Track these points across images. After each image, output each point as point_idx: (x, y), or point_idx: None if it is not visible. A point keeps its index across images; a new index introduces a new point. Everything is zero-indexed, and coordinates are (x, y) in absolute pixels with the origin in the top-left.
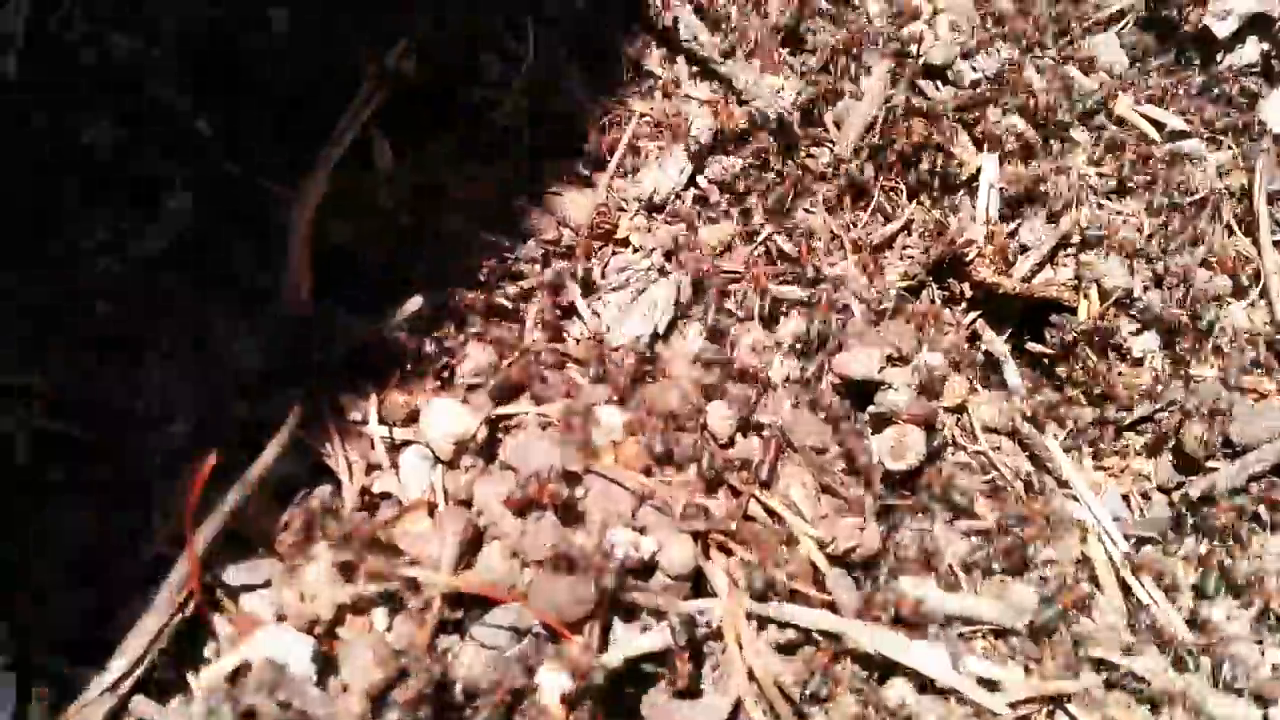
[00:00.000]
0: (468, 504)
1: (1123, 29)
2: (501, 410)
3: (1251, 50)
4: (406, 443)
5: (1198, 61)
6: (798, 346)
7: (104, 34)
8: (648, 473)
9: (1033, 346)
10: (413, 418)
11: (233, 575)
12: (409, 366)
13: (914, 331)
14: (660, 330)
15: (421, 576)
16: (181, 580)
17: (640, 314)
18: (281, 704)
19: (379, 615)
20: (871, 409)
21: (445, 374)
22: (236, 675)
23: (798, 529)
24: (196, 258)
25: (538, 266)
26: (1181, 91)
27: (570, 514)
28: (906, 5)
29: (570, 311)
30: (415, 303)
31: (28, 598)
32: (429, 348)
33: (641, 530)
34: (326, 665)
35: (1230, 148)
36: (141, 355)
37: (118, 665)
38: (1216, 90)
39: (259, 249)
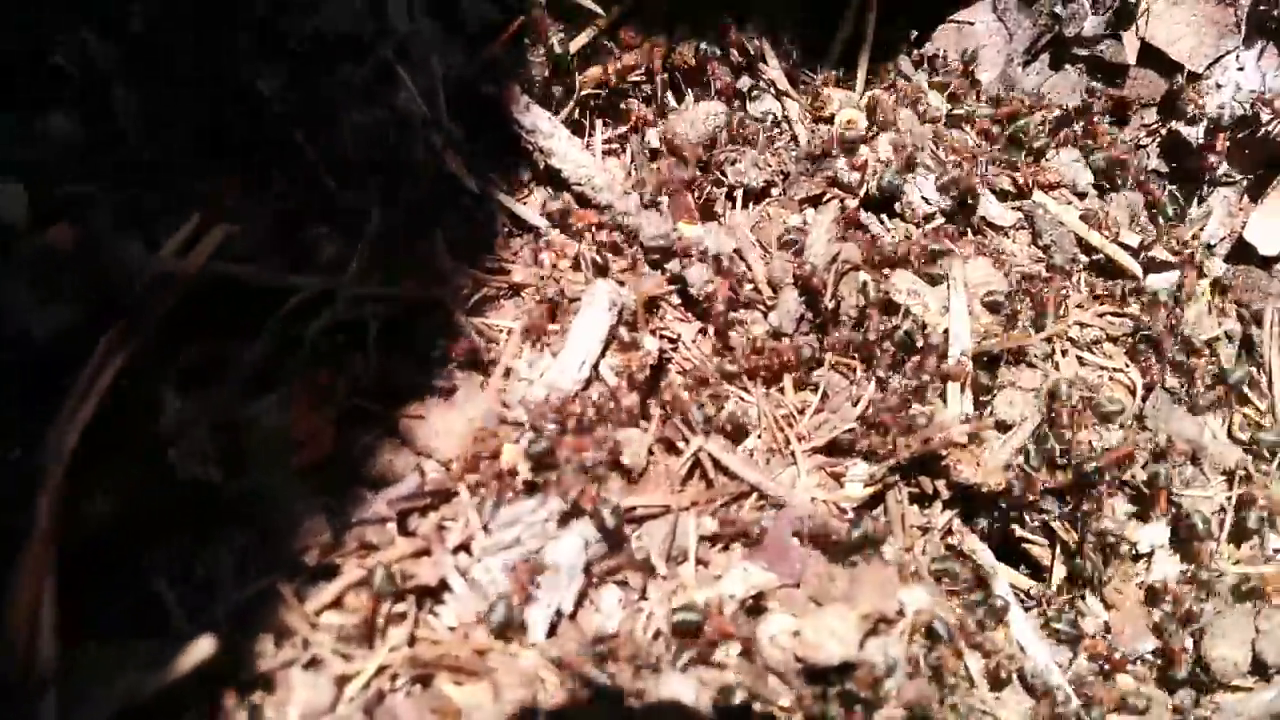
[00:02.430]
0: None
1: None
2: None
3: (1225, 159)
4: None
5: (1168, 173)
6: (746, 606)
7: None
8: None
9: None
10: None
11: None
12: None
13: (894, 576)
14: (566, 608)
15: None
16: None
17: (537, 585)
18: None
19: None
20: (844, 688)
21: None
22: None
23: None
24: None
25: (392, 530)
26: (1154, 211)
27: None
28: (842, 122)
29: (441, 591)
30: (205, 646)
31: None
32: (231, 682)
33: None
34: None
35: (1208, 274)
36: None
37: None
38: (1193, 209)
39: None
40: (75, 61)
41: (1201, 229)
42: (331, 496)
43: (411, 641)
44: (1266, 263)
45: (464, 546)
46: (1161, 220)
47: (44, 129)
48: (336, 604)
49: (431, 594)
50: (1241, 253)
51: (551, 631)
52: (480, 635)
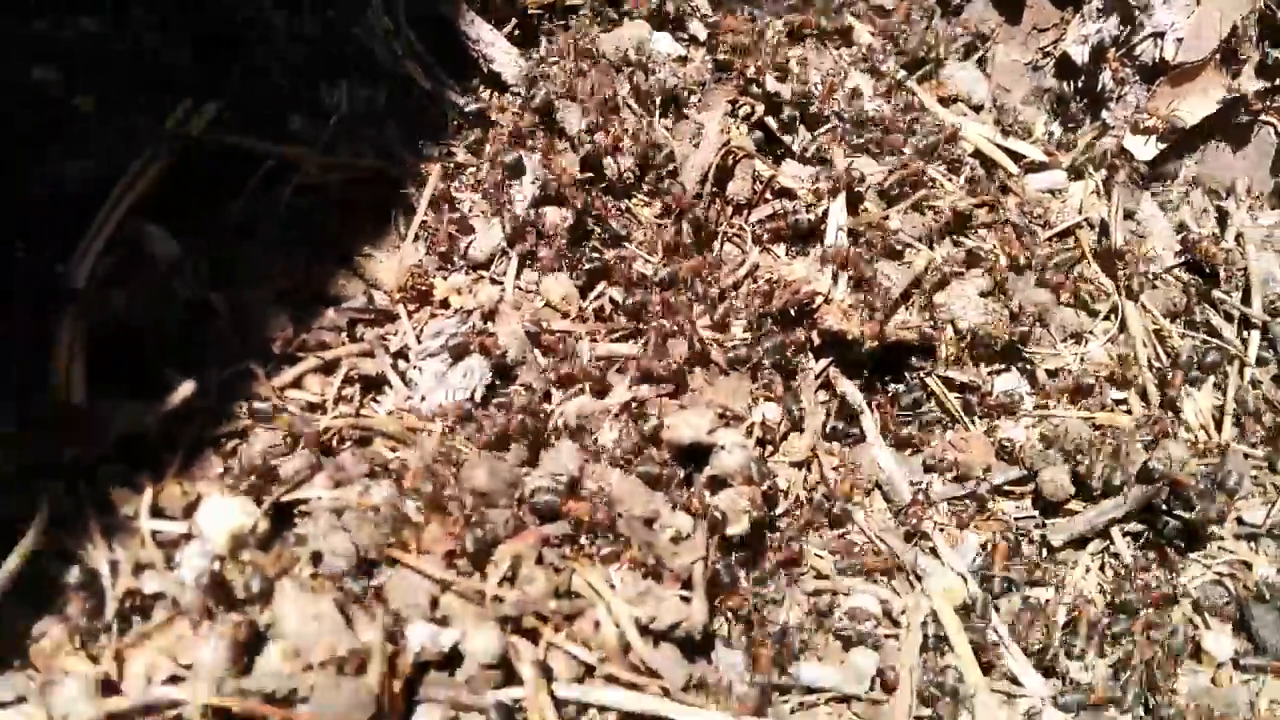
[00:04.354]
0: (249, 601)
1: (982, 57)
2: (291, 496)
3: (1109, 77)
4: (186, 537)
5: (1058, 90)
6: (631, 409)
7: None
8: (453, 556)
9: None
10: (193, 509)
11: None
12: (190, 454)
13: (750, 387)
14: (477, 398)
15: (177, 694)
16: None
17: (456, 381)
18: None
19: None
20: (707, 471)
21: (231, 458)
22: None
23: (616, 608)
24: None
25: (342, 336)
26: (1043, 122)
27: (362, 609)
28: (752, 37)
29: (380, 382)
30: (187, 388)
31: None
32: (213, 432)
33: (443, 621)
34: None
35: (1092, 177)
36: None
37: None
38: (1078, 118)
39: (30, 337)
40: None
41: (1094, 139)
42: (299, 310)
43: (356, 416)
44: (1138, 166)
45: (400, 353)
46: (1047, 129)
47: (74, 26)
48: (297, 384)
49: (374, 386)
50: (1118, 160)
51: (468, 418)
52: (410, 418)
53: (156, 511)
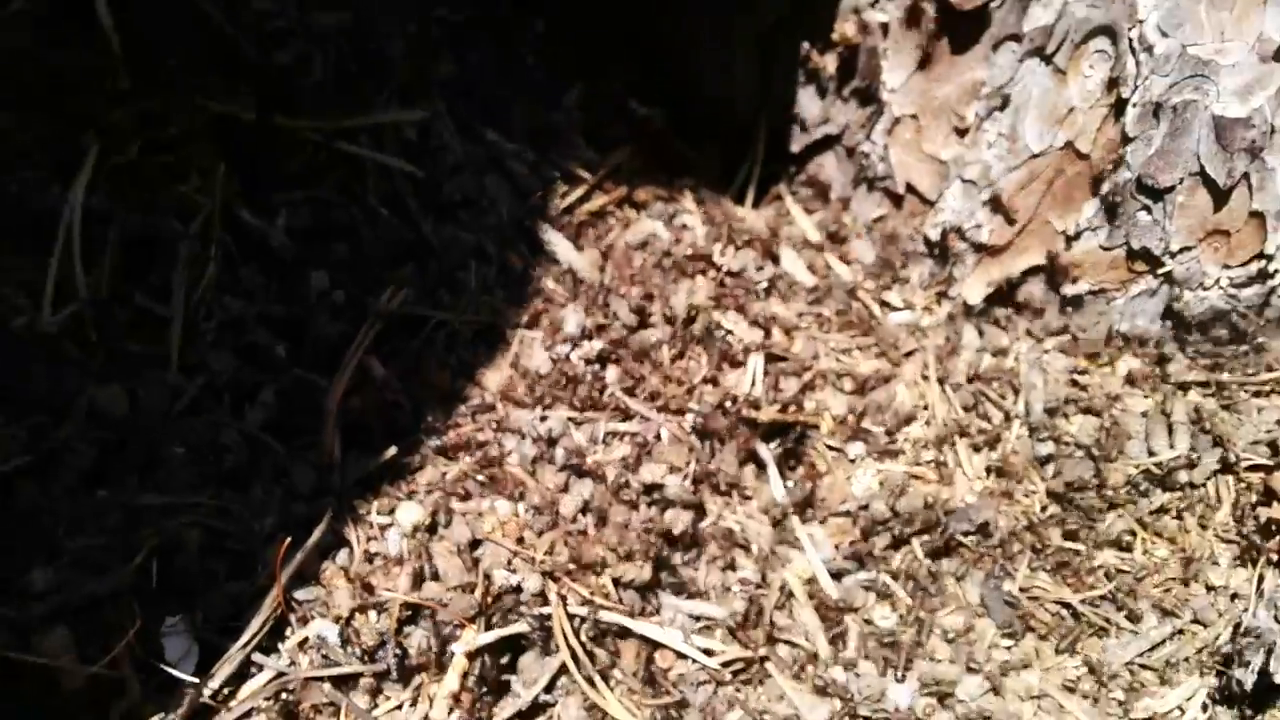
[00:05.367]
0: (419, 556)
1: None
2: (446, 505)
3: (951, 250)
4: (389, 525)
5: (927, 253)
6: (623, 461)
7: (221, 299)
8: (521, 540)
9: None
10: (392, 510)
11: (300, 595)
12: (392, 480)
13: (688, 451)
14: (540, 452)
15: (388, 597)
16: (274, 599)
17: (529, 443)
18: (324, 658)
19: (372, 613)
20: (661, 497)
21: (413, 486)
22: (303, 643)
23: (601, 568)
24: (281, 429)
25: (468, 420)
26: (916, 275)
27: (473, 560)
28: (724, 227)
29: (486, 444)
30: (391, 450)
31: (201, 603)
32: (405, 471)
33: (514, 571)
34: (347, 638)
35: (936, 315)
36: (249, 485)
37: (245, 638)
38: (936, 274)
39: (313, 423)
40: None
41: (942, 290)
42: (445, 405)
43: (475, 465)
44: (969, 310)
45: (502, 430)
46: (914, 282)
47: (331, 250)
48: (445, 447)
49: (484, 447)
50: (965, 306)
51: (536, 462)
52: (508, 465)
53: (377, 512)
